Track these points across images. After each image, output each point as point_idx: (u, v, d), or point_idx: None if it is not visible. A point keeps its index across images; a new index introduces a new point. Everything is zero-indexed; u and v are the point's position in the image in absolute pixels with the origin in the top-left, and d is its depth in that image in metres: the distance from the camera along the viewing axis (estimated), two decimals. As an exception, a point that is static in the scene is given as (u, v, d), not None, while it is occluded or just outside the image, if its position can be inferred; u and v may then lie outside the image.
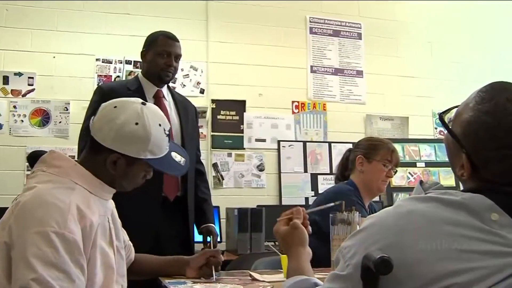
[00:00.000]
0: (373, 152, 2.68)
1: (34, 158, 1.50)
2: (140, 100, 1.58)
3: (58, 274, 1.27)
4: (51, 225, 1.29)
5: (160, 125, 1.55)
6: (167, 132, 1.58)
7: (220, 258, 1.97)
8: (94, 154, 1.53)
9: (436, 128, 5.01)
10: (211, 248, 2.76)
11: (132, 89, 2.75)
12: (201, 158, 3.07)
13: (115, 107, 1.53)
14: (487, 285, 0.91)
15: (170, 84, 2.99)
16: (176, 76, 4.29)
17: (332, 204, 2.03)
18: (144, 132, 1.50)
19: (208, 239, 2.78)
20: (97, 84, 4.25)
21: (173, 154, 1.62)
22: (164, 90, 2.86)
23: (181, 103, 2.91)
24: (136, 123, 1.50)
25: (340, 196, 2.48)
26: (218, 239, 4.07)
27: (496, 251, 0.93)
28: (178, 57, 2.82)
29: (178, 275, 1.93)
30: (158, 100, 2.79)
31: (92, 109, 2.64)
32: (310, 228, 1.60)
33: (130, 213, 2.40)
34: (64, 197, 1.37)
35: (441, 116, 1.18)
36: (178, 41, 2.84)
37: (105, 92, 2.69)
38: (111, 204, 1.65)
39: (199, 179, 2.93)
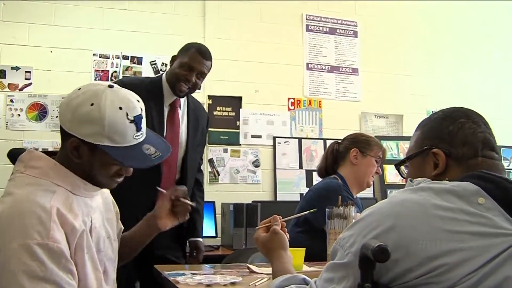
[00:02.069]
0: (368, 147, 2.71)
1: (13, 155, 1.45)
2: (108, 83, 1.47)
3: (48, 287, 1.22)
4: (33, 237, 1.22)
5: (120, 108, 1.40)
6: (131, 118, 1.42)
7: (182, 187, 1.80)
8: (63, 144, 1.44)
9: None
10: (197, 261, 2.78)
11: (153, 90, 2.69)
12: None
13: (79, 89, 1.43)
14: (475, 265, 0.97)
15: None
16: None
17: (307, 212, 2.06)
18: (98, 114, 1.37)
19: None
20: (94, 79, 4.28)
21: (145, 146, 1.47)
22: (182, 99, 2.80)
23: (194, 113, 2.84)
24: (92, 104, 1.38)
25: (331, 193, 2.51)
26: (214, 234, 4.13)
27: (484, 232, 1.00)
28: (201, 74, 2.70)
29: (154, 233, 1.76)
30: (173, 109, 2.74)
31: None
32: (288, 234, 1.65)
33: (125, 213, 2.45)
34: (44, 203, 1.28)
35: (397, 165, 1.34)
36: (209, 60, 2.74)
37: (126, 85, 2.62)
38: (99, 199, 1.55)
39: (196, 187, 2.91)
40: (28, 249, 1.21)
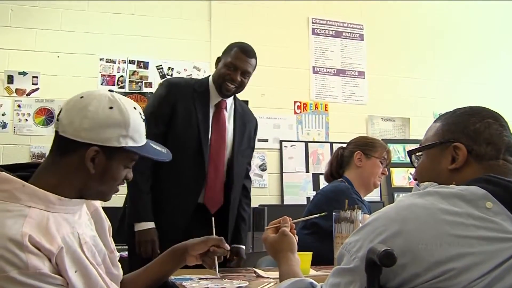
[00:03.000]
0: (372, 149, 2.74)
1: None
2: (107, 90, 1.42)
3: None
4: (11, 269, 1.15)
5: (135, 108, 1.39)
6: (143, 117, 1.42)
7: (225, 247, 1.71)
8: (62, 157, 1.34)
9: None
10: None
11: (199, 90, 2.67)
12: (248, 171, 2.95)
13: (81, 97, 1.35)
14: (483, 270, 0.96)
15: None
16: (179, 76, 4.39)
17: (317, 215, 2.06)
18: (121, 115, 1.34)
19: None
20: (101, 84, 4.30)
21: (150, 142, 1.46)
22: (229, 101, 2.76)
23: (241, 118, 2.79)
24: (111, 107, 1.33)
25: (340, 195, 2.52)
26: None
27: (492, 237, 0.99)
28: (246, 73, 2.66)
29: (179, 267, 1.73)
30: (218, 110, 2.70)
31: (155, 102, 2.62)
32: (297, 237, 1.63)
33: (164, 216, 2.43)
34: (15, 234, 1.18)
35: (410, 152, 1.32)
36: (253, 57, 2.70)
37: (172, 85, 2.66)
38: (87, 211, 1.47)
39: (243, 194, 2.84)
40: (9, 279, 1.15)
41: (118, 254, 1.59)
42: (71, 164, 1.33)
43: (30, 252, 1.17)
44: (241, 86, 2.69)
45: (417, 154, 1.29)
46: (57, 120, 1.35)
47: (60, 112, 1.36)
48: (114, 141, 1.33)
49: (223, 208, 2.66)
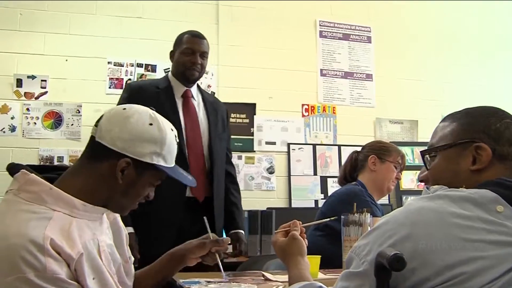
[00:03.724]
0: (386, 153, 2.77)
1: (11, 169, 1.34)
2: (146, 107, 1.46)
3: None
4: (28, 271, 1.15)
5: (172, 130, 1.44)
6: (178, 140, 1.46)
7: (224, 245, 1.76)
8: (96, 162, 1.36)
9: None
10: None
11: (161, 87, 2.74)
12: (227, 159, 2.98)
13: (124, 108, 1.40)
14: (494, 274, 0.95)
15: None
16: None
17: (327, 219, 2.06)
18: (159, 133, 1.38)
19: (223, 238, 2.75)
20: (109, 87, 4.31)
21: (178, 167, 1.48)
22: (194, 90, 2.83)
23: (211, 104, 2.87)
24: (151, 124, 1.38)
25: (353, 197, 2.54)
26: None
27: (503, 241, 0.98)
28: (204, 54, 2.78)
29: (179, 269, 1.76)
30: (186, 99, 2.77)
31: None
32: (307, 241, 1.63)
33: (154, 212, 2.39)
34: (37, 236, 1.18)
35: (423, 152, 1.28)
36: (204, 39, 2.82)
37: (134, 89, 2.72)
38: (107, 219, 1.50)
39: (229, 180, 2.88)
40: (26, 280, 1.15)
41: (132, 259, 1.61)
42: (100, 171, 1.36)
43: (50, 256, 1.18)
44: (202, 69, 2.80)
45: (430, 155, 1.26)
46: (96, 125, 1.38)
47: (100, 118, 1.40)
48: (147, 157, 1.37)
49: (210, 196, 2.69)
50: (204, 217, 1.89)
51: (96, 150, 1.37)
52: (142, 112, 1.40)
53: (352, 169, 2.84)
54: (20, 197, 1.28)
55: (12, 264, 1.15)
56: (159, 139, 1.38)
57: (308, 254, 1.59)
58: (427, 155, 1.27)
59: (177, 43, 2.83)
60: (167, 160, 1.41)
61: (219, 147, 2.80)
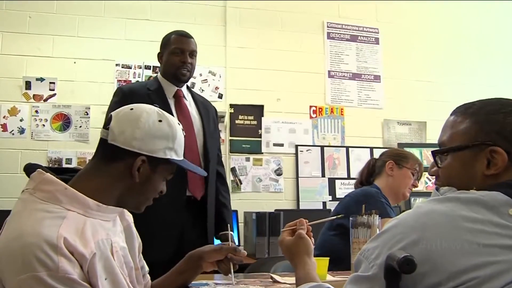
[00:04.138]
0: (404, 160, 2.81)
1: (28, 169, 1.35)
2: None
3: None
4: (41, 270, 1.15)
5: (179, 123, 1.49)
6: (184, 134, 1.51)
7: (241, 255, 1.76)
8: (108, 164, 1.39)
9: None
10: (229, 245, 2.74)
11: (152, 89, 2.74)
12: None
13: (131, 109, 1.44)
14: (508, 278, 0.93)
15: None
16: (194, 81, 4.42)
17: (334, 217, 2.09)
18: (169, 129, 1.43)
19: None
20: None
21: (185, 159, 1.52)
22: (184, 90, 2.84)
23: (202, 104, 2.89)
24: (160, 120, 1.42)
25: (369, 198, 2.57)
26: (236, 243, 4.12)
27: None
28: (193, 53, 2.79)
29: (197, 275, 1.79)
30: (178, 99, 2.78)
31: (112, 111, 2.67)
32: (313, 239, 1.61)
33: (156, 213, 2.42)
34: (51, 235, 1.19)
35: (434, 152, 1.22)
36: (192, 38, 2.82)
37: (125, 92, 2.71)
38: (121, 223, 1.51)
39: (219, 181, 2.89)
40: (38, 279, 1.15)
41: (147, 269, 1.64)
42: (116, 171, 1.39)
43: (63, 256, 1.19)
44: (192, 68, 2.81)
45: (442, 155, 1.20)
46: (106, 128, 1.41)
47: (109, 121, 1.42)
48: (161, 152, 1.41)
49: (205, 195, 2.71)
50: (228, 224, 1.94)
51: (109, 152, 1.39)
52: (149, 110, 1.44)
53: (368, 174, 2.88)
54: (36, 196, 1.29)
55: (26, 263, 1.15)
56: (170, 134, 1.43)
57: (321, 252, 1.58)
58: (438, 155, 1.21)
59: (164, 44, 2.84)
60: (178, 153, 1.46)
61: (213, 146, 2.82)
